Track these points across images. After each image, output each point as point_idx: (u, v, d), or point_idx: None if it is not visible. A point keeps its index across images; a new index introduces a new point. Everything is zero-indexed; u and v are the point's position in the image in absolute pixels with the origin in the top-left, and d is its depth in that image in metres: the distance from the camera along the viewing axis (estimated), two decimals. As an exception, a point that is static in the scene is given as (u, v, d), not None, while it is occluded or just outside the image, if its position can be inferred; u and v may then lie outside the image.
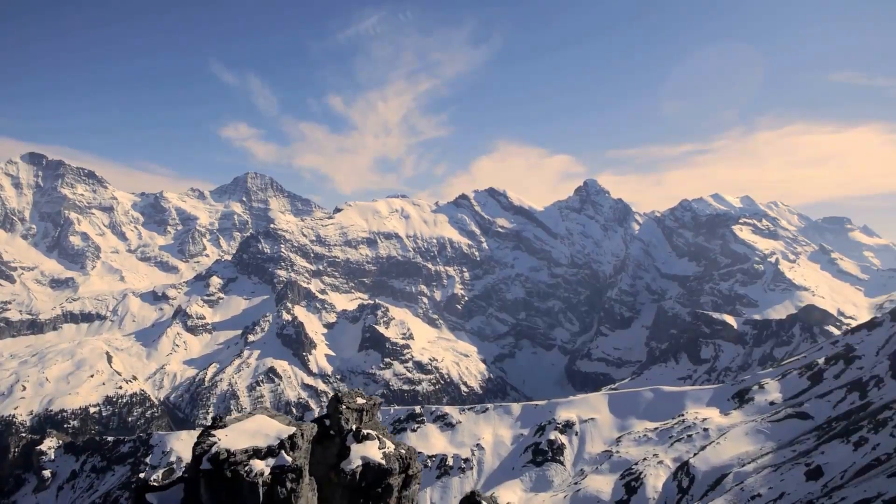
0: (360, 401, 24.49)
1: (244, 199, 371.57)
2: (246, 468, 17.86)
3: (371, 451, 21.32)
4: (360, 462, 20.88)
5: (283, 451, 19.03)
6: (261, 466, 18.09)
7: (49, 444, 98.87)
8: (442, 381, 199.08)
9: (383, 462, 21.15)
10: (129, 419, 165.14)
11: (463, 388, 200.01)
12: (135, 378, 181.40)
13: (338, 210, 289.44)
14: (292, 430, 19.70)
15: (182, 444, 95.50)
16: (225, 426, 19.50)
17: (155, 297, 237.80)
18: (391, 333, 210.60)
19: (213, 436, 19.20)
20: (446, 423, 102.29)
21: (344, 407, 23.83)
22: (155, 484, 19.00)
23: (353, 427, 23.32)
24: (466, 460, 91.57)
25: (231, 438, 18.92)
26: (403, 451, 22.86)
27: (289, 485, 17.94)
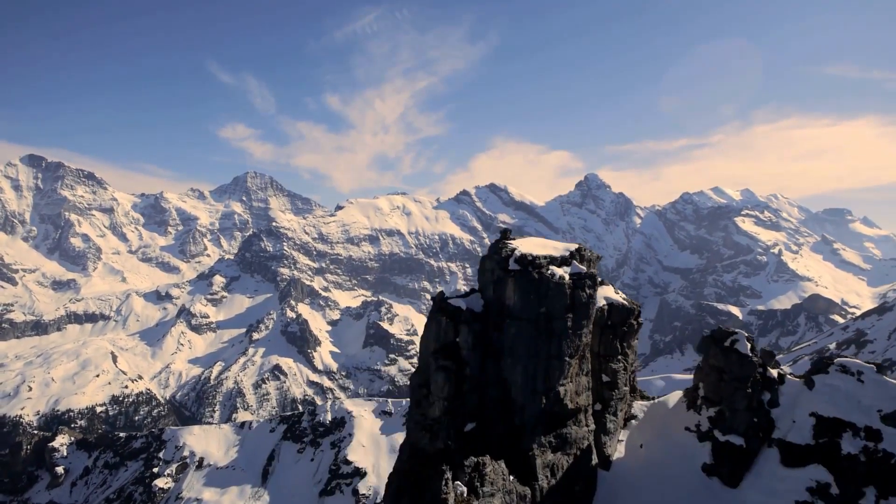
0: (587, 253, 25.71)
1: (244, 198, 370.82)
2: (548, 272, 18.34)
3: (610, 293, 22.01)
4: (604, 301, 21.56)
5: (574, 261, 19.56)
6: (560, 272, 18.63)
7: (61, 441, 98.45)
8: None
9: (626, 303, 21.90)
10: (136, 418, 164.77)
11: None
12: (140, 377, 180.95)
13: (339, 207, 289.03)
14: (576, 245, 20.48)
15: (195, 439, 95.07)
16: (514, 238, 20.06)
17: (158, 297, 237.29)
18: (395, 329, 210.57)
19: (510, 244, 19.87)
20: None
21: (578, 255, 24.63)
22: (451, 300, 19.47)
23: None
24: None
25: (526, 247, 19.45)
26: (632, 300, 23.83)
27: (587, 290, 19.20)
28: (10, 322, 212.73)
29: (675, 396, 24.45)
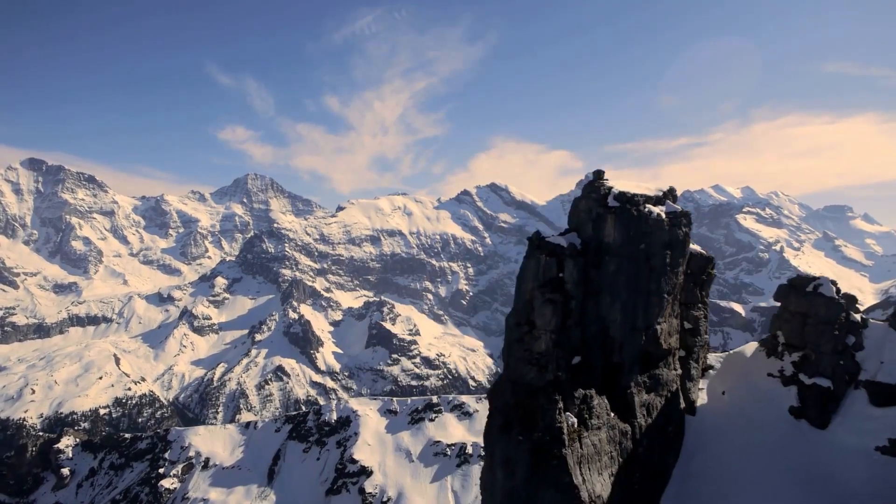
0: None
1: (245, 200, 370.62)
2: (646, 210, 18.65)
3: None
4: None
5: (668, 201, 19.77)
6: (657, 210, 18.88)
7: (66, 443, 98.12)
8: (450, 376, 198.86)
9: (703, 252, 22.27)
10: (139, 420, 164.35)
11: (471, 382, 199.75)
12: (143, 379, 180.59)
13: (340, 208, 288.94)
14: (668, 186, 20.79)
15: (200, 440, 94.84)
16: (607, 179, 20.39)
17: (160, 299, 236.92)
18: (398, 330, 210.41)
19: (605, 182, 20.09)
20: (463, 412, 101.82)
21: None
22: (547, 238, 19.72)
23: None
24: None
25: (621, 186, 19.76)
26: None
27: (684, 229, 19.51)
28: (12, 325, 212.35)
29: (751, 347, 24.86)
